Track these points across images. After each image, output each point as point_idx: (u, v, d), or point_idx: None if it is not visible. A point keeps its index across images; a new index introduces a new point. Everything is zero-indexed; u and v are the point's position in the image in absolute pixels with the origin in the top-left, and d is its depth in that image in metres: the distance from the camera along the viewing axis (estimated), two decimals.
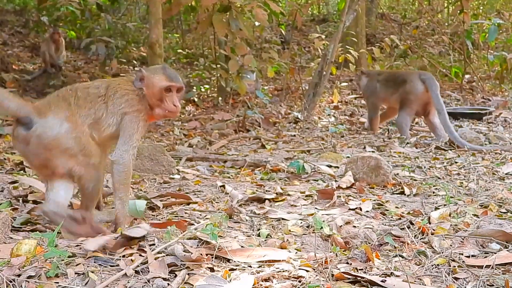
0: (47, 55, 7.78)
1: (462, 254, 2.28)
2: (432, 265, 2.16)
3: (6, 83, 7.48)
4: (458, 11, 8.75)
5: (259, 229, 2.66)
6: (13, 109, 2.60)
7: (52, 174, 2.65)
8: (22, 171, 3.93)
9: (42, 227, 2.66)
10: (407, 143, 5.49)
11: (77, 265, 2.10)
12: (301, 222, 2.76)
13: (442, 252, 2.30)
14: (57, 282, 1.95)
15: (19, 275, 1.94)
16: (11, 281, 1.88)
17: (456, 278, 2.06)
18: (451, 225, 2.69)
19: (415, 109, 5.80)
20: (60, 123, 2.59)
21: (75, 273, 2.03)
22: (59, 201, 2.64)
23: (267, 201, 3.23)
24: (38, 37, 10.20)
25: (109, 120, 2.72)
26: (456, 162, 4.52)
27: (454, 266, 2.14)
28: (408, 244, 2.37)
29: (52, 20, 10.01)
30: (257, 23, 8.04)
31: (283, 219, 2.84)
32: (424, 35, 13.41)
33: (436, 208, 3.03)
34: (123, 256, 2.22)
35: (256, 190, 3.54)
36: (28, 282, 1.91)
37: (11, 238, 2.44)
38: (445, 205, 3.08)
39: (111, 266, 2.12)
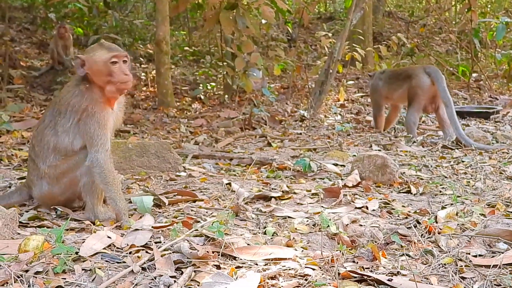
0: (55, 52, 7.81)
1: (469, 254, 2.27)
2: (439, 265, 2.15)
3: (13, 79, 7.52)
4: (466, 9, 8.70)
5: (265, 227, 2.66)
6: None
7: None
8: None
9: (49, 223, 2.67)
10: (414, 141, 5.46)
11: (84, 261, 2.12)
12: (307, 221, 2.76)
13: (449, 252, 2.29)
14: (64, 278, 1.96)
15: (26, 271, 1.95)
16: (18, 277, 1.89)
17: (463, 278, 2.06)
18: (458, 224, 2.68)
19: (423, 104, 5.76)
20: None
21: (82, 269, 2.04)
22: None
23: (273, 199, 3.23)
24: (45, 33, 10.23)
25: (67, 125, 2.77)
26: (463, 161, 4.50)
27: (461, 266, 2.14)
28: (414, 243, 2.36)
29: (59, 17, 10.04)
30: (263, 21, 8.04)
31: (289, 217, 2.84)
32: (431, 33, 13.35)
33: (443, 207, 3.02)
34: (130, 253, 2.23)
35: (262, 188, 3.54)
36: (36, 277, 1.92)
37: (19, 234, 2.45)
38: (452, 204, 3.07)
39: (117, 262, 2.13)
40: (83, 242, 2.29)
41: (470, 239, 2.44)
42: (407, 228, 2.60)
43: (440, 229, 2.57)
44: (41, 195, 2.84)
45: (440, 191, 3.47)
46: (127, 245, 2.31)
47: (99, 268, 2.03)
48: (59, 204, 2.85)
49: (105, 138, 2.73)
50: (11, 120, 5.57)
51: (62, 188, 2.81)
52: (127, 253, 2.22)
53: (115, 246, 2.32)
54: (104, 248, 2.25)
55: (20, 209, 2.85)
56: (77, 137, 2.77)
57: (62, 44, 7.85)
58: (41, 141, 2.82)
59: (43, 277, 1.94)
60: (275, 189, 3.51)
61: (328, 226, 2.39)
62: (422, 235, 2.49)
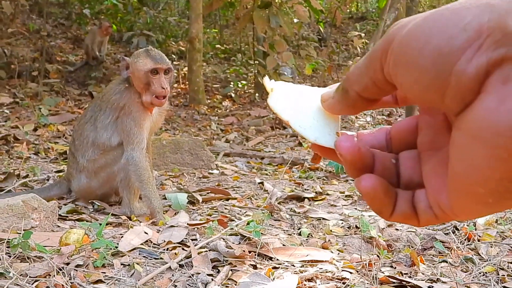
0: (90, 47, 7.94)
1: (511, 263, 2.22)
2: (480, 273, 2.11)
3: (49, 73, 7.67)
4: None
5: (299, 228, 2.65)
6: None
7: None
8: (65, 160, 4.02)
9: (88, 216, 2.72)
10: None
11: (122, 256, 2.14)
12: (342, 223, 2.74)
13: (490, 260, 2.24)
14: (104, 272, 1.99)
15: (68, 264, 1.99)
16: (60, 269, 1.93)
17: None
18: (497, 232, 2.61)
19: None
20: None
21: (121, 264, 2.06)
22: None
23: (306, 199, 3.22)
24: (80, 29, 10.41)
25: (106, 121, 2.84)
26: None
27: (503, 275, 2.09)
28: (454, 250, 2.32)
29: (93, 13, 10.22)
30: (295, 20, 8.01)
31: (323, 218, 2.82)
32: None
33: None
34: (167, 249, 2.25)
35: (295, 188, 3.53)
36: (77, 271, 1.95)
37: (58, 226, 2.50)
38: None
39: (155, 258, 2.15)
40: (121, 237, 2.32)
41: (511, 248, 2.38)
42: (445, 234, 2.55)
43: (480, 236, 2.51)
44: (79, 188, 2.90)
45: None
46: (164, 241, 2.33)
47: (138, 264, 2.05)
48: (96, 198, 2.90)
49: (141, 137, 2.77)
50: (47, 114, 5.68)
51: (100, 182, 2.85)
52: (164, 249, 2.24)
53: (151, 242, 2.34)
54: (141, 244, 2.27)
55: (59, 202, 2.90)
56: (115, 134, 2.82)
57: (98, 40, 7.97)
58: (81, 135, 2.89)
59: (83, 271, 1.97)
60: (308, 189, 3.49)
61: (367, 229, 2.36)
62: (461, 242, 2.44)
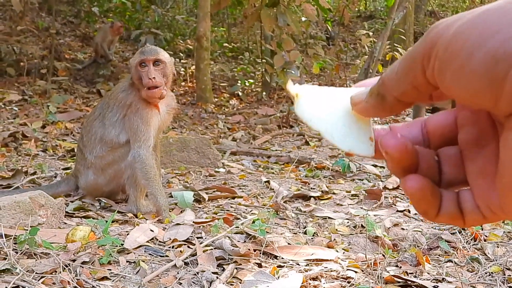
0: (99, 45, 7.97)
1: None
2: (486, 273, 2.10)
3: (58, 71, 7.72)
4: None
5: (305, 227, 2.65)
6: None
7: None
8: (73, 157, 4.05)
9: (94, 214, 2.74)
10: None
11: (128, 253, 2.15)
12: (348, 222, 2.73)
13: (496, 260, 2.22)
14: (110, 269, 2.00)
15: (74, 260, 2.00)
16: (66, 265, 1.94)
17: None
18: (504, 232, 2.60)
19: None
20: None
21: (127, 261, 2.07)
22: None
23: (312, 198, 3.21)
24: (88, 27, 10.46)
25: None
26: None
27: (510, 275, 2.08)
28: (460, 249, 2.31)
29: (102, 11, 10.26)
30: (303, 19, 7.99)
31: (329, 217, 2.82)
32: None
33: None
34: (172, 247, 2.26)
35: (301, 187, 3.52)
36: (83, 267, 1.97)
37: (65, 223, 2.52)
38: None
39: (160, 256, 2.16)
40: (127, 234, 2.34)
41: None
42: (451, 234, 2.54)
43: (486, 236, 2.50)
44: (86, 184, 2.92)
45: None
46: (169, 239, 2.34)
47: (143, 261, 2.06)
48: (103, 195, 2.92)
49: (148, 135, 2.78)
50: (55, 111, 5.72)
51: (107, 178, 2.87)
52: (169, 247, 2.25)
53: (157, 239, 2.35)
54: (147, 241, 2.28)
55: (65, 200, 2.92)
56: (123, 132, 2.84)
57: (109, 39, 8.01)
58: (89, 132, 2.91)
59: (89, 267, 1.98)
60: (314, 188, 3.49)
61: (372, 229, 2.36)
62: (467, 241, 2.43)
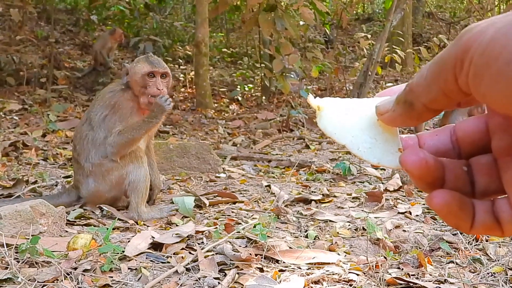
0: (99, 53, 7.99)
1: None
2: (488, 273, 2.09)
3: (58, 80, 7.74)
4: (511, 9, 8.44)
5: (306, 231, 2.65)
6: None
7: None
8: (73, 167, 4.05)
9: (95, 221, 2.74)
10: None
11: (129, 260, 2.15)
12: (349, 225, 2.73)
13: (498, 260, 2.22)
14: (111, 277, 2.00)
15: (75, 268, 2.00)
16: (68, 274, 1.94)
17: None
18: None
19: (468, 107, 5.62)
20: None
21: (128, 268, 2.07)
22: None
23: (313, 202, 3.21)
24: (87, 35, 10.49)
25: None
26: None
27: None
28: (461, 250, 2.31)
29: (101, 19, 10.29)
30: (301, 22, 8.02)
31: (330, 221, 2.82)
32: None
33: None
34: (174, 253, 2.26)
35: (302, 191, 3.52)
36: (84, 275, 1.97)
37: (66, 231, 2.52)
38: None
39: (162, 262, 2.16)
40: (128, 241, 2.34)
41: None
42: (453, 234, 2.54)
43: (488, 236, 2.50)
44: (88, 193, 2.91)
45: None
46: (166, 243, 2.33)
47: (145, 268, 2.06)
48: (106, 202, 2.92)
49: (118, 126, 2.85)
50: (56, 120, 5.73)
51: (109, 185, 2.87)
52: (171, 254, 2.25)
53: (158, 246, 2.35)
54: (148, 248, 2.28)
55: (66, 208, 2.92)
56: (106, 131, 2.87)
57: (109, 46, 8.03)
58: (80, 138, 2.93)
59: (91, 275, 1.98)
60: (315, 192, 3.49)
61: (373, 231, 2.36)
62: (469, 242, 2.42)
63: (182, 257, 2.21)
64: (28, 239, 2.07)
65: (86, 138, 2.90)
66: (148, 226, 2.68)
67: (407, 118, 0.47)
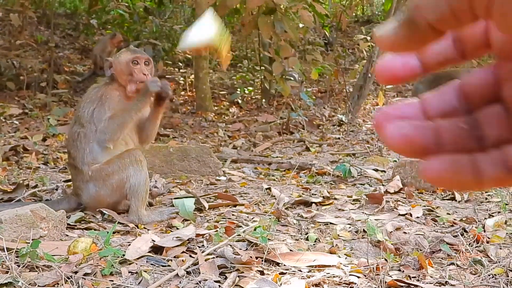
0: (98, 57, 8.00)
1: None
2: (489, 275, 2.09)
3: (58, 84, 7.75)
4: None
5: (307, 233, 2.64)
6: None
7: None
8: None
9: (96, 225, 2.73)
10: None
11: (130, 264, 2.15)
12: (350, 227, 2.73)
13: (499, 262, 2.22)
14: (112, 280, 2.00)
15: (76, 272, 2.00)
16: (68, 278, 1.94)
17: None
18: (507, 233, 2.59)
19: None
20: None
21: (129, 272, 2.07)
22: None
23: (314, 204, 3.21)
24: (87, 39, 10.51)
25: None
26: None
27: None
28: (462, 252, 2.30)
29: (101, 23, 10.30)
30: (301, 25, 8.03)
31: (331, 223, 2.82)
32: None
33: (490, 216, 2.93)
34: (174, 256, 2.26)
35: (302, 193, 3.52)
36: (85, 279, 1.97)
37: (67, 235, 2.52)
38: (499, 212, 2.98)
39: (162, 266, 2.16)
40: (128, 245, 2.34)
41: None
42: (454, 236, 2.54)
43: (489, 238, 2.50)
44: (90, 198, 2.91)
45: (486, 198, 3.37)
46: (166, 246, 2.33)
47: (145, 271, 2.06)
48: (108, 206, 2.92)
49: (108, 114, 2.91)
50: (56, 124, 5.73)
51: (110, 189, 2.87)
52: (171, 257, 2.25)
53: (159, 249, 2.35)
54: (149, 251, 2.28)
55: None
56: (97, 124, 2.90)
57: (108, 50, 8.04)
58: (72, 140, 2.95)
59: (91, 279, 1.98)
60: (315, 194, 3.49)
61: (374, 233, 2.36)
62: (470, 244, 2.42)
63: (182, 260, 2.20)
64: (29, 243, 2.07)
65: (78, 138, 2.91)
66: (148, 230, 2.68)
67: (410, 40, 0.43)
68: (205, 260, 2.16)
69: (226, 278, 2.04)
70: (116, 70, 2.97)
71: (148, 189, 2.97)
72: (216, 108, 7.73)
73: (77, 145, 2.92)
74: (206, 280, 2.00)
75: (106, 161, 2.88)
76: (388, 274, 2.09)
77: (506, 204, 3.11)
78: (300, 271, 2.11)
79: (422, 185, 3.62)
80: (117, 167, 2.86)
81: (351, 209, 3.12)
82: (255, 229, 2.37)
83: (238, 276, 2.05)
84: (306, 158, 4.86)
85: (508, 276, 2.08)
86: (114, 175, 2.85)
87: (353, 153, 5.12)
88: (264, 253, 2.21)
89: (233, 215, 3.01)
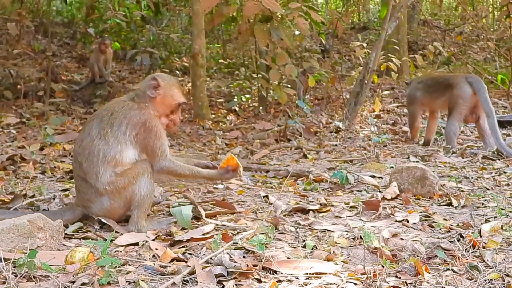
0: (95, 66, 8.02)
1: None
2: (485, 280, 2.10)
3: (55, 93, 7.76)
4: (504, 16, 8.53)
5: (304, 241, 2.65)
6: None
7: None
8: (72, 179, 4.05)
9: (93, 234, 2.74)
10: (453, 152, 5.36)
11: (128, 273, 2.15)
12: (347, 234, 2.74)
13: (495, 267, 2.23)
14: None
15: (73, 282, 2.00)
16: (66, 287, 1.94)
17: None
18: (503, 238, 2.60)
19: (464, 114, 5.65)
20: None
21: (126, 281, 2.07)
22: None
23: (311, 211, 3.21)
24: (85, 48, 10.54)
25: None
26: (505, 172, 4.38)
27: (509, 282, 2.08)
28: (459, 258, 2.31)
29: (98, 32, 10.34)
30: (297, 32, 8.06)
31: (328, 230, 2.82)
32: (468, 41, 13.10)
33: (487, 221, 2.94)
34: (172, 264, 2.26)
35: (300, 201, 3.53)
36: None
37: (64, 245, 2.52)
38: (495, 217, 2.99)
39: (160, 275, 2.16)
40: (125, 254, 2.34)
41: None
42: (450, 242, 2.55)
43: (485, 243, 2.51)
44: (103, 211, 2.86)
45: (483, 204, 3.39)
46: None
47: (143, 280, 2.06)
48: (121, 217, 2.93)
49: (163, 147, 2.96)
50: (53, 133, 5.73)
51: (123, 201, 2.86)
52: (169, 265, 2.25)
53: (157, 258, 2.35)
54: (146, 260, 2.29)
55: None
56: (130, 149, 2.86)
57: (103, 58, 8.07)
58: (89, 155, 2.81)
59: None
60: (312, 201, 3.50)
61: (370, 240, 2.36)
62: (466, 249, 2.43)
63: (180, 268, 2.21)
64: (26, 253, 2.07)
65: (97, 155, 2.79)
66: (147, 237, 2.68)
67: None
68: (202, 269, 2.16)
69: (223, 286, 2.04)
70: (163, 99, 2.98)
71: (152, 201, 2.98)
72: (213, 116, 7.75)
73: (92, 161, 2.80)
74: None
75: (120, 173, 2.84)
76: (385, 281, 2.10)
77: (502, 209, 3.13)
78: (298, 278, 2.12)
79: (419, 191, 3.63)
80: (132, 178, 2.83)
81: (348, 216, 3.13)
82: (252, 237, 2.38)
83: (236, 285, 2.05)
84: (304, 166, 4.87)
85: (504, 281, 2.09)
86: (128, 188, 2.82)
87: (350, 160, 5.13)
88: (261, 261, 2.21)
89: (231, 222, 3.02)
